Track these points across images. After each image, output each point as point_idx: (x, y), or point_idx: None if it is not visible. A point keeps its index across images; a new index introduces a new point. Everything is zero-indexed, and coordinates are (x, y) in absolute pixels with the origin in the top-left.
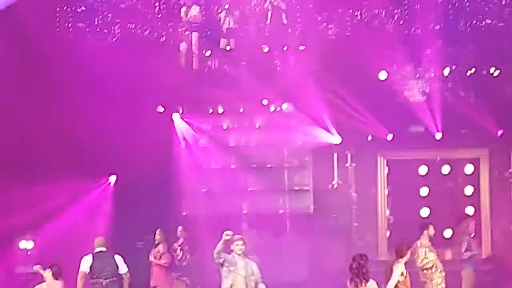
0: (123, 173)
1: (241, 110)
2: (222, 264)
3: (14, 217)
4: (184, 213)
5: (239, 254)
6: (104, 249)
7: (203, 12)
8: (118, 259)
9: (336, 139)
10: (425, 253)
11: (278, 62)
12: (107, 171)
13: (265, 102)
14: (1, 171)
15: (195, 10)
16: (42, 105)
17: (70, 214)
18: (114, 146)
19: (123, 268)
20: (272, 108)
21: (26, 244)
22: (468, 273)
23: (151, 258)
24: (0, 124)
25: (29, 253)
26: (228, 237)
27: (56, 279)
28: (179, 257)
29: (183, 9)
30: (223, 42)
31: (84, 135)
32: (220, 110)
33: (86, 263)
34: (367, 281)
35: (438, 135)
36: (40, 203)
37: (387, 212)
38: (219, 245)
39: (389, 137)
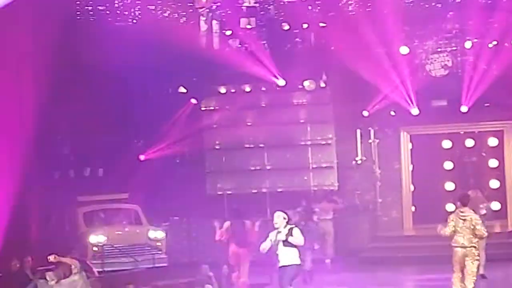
0: (148, 153)
1: (263, 88)
2: None
3: None
4: (207, 192)
5: None
6: None
7: None
8: None
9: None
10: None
11: (299, 40)
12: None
13: (287, 80)
14: None
15: None
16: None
17: None
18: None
19: None
20: (294, 86)
21: (155, 234)
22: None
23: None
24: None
25: (159, 243)
26: None
27: None
28: None
29: None
30: (243, 21)
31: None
32: (242, 89)
33: None
34: None
35: (464, 108)
36: None
37: (412, 188)
38: None
39: (415, 111)
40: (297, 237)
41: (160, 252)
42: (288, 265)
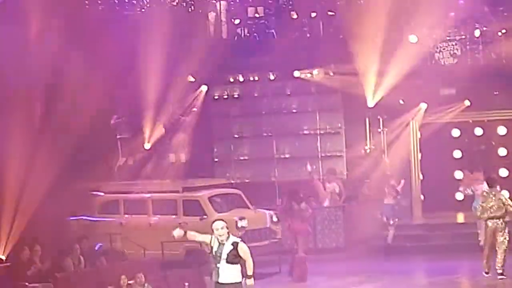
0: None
1: (272, 77)
2: None
3: None
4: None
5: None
6: None
7: None
8: None
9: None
10: None
11: (307, 29)
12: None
13: (295, 69)
14: None
15: None
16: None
17: None
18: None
19: None
20: (303, 75)
21: (275, 218)
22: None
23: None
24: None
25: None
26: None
27: None
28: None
29: None
30: (251, 10)
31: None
32: (251, 78)
33: None
34: None
35: (467, 102)
36: None
37: (421, 176)
38: None
39: (423, 105)
40: (245, 257)
41: (277, 236)
42: (230, 283)
